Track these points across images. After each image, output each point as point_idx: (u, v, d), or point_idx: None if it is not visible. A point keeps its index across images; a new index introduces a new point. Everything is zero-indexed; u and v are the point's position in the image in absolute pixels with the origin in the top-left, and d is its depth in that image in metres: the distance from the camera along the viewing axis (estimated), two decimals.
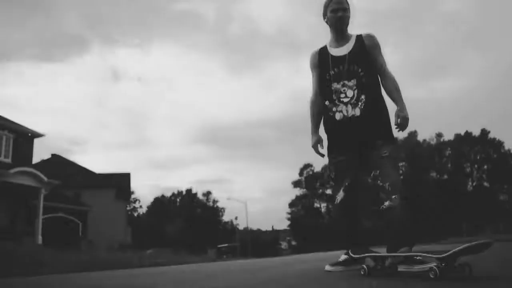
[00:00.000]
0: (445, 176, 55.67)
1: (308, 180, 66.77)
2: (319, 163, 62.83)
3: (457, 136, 57.25)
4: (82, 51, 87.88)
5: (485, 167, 56.39)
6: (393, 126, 2.76)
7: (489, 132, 57.22)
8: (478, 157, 56.48)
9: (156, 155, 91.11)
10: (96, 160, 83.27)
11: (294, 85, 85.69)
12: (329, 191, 65.18)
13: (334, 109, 2.85)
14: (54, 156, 31.22)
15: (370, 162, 2.77)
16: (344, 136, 2.84)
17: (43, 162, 28.18)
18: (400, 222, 2.64)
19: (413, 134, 55.52)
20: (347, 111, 2.79)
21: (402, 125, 2.70)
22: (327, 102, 2.89)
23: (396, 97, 2.77)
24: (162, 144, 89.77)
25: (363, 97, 2.77)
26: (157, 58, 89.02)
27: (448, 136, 57.32)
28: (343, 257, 3.01)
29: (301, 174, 68.00)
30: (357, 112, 2.76)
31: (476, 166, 56.90)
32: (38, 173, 17.70)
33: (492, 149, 56.20)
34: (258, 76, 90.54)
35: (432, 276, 2.16)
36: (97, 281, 3.60)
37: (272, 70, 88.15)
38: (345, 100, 2.80)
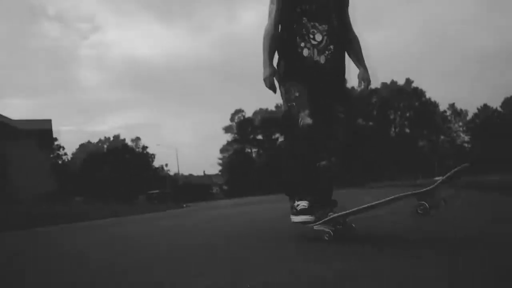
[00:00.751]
0: (371, 123, 58.60)
1: (240, 125, 67.21)
2: (251, 108, 63.15)
3: (384, 84, 59.91)
4: None
5: (408, 114, 60.06)
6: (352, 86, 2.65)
7: (412, 81, 60.49)
8: (401, 105, 59.84)
9: (80, 99, 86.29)
10: (13, 106, 76.91)
11: (226, 31, 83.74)
12: (259, 136, 66.21)
13: (302, 44, 2.55)
14: None
15: (323, 115, 2.58)
16: (309, 75, 2.55)
17: None
18: (330, 185, 2.59)
19: None
20: (314, 53, 2.55)
21: (365, 89, 2.66)
22: (296, 37, 2.57)
23: (360, 57, 2.71)
24: (86, 88, 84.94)
25: (331, 46, 2.56)
26: None
27: (375, 84, 59.73)
28: (302, 204, 2.48)
29: (232, 119, 68.22)
30: (322, 59, 2.54)
31: (399, 113, 60.36)
32: None
33: (415, 97, 59.67)
34: (189, 20, 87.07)
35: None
36: None
37: (204, 15, 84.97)
38: (312, 42, 2.54)
